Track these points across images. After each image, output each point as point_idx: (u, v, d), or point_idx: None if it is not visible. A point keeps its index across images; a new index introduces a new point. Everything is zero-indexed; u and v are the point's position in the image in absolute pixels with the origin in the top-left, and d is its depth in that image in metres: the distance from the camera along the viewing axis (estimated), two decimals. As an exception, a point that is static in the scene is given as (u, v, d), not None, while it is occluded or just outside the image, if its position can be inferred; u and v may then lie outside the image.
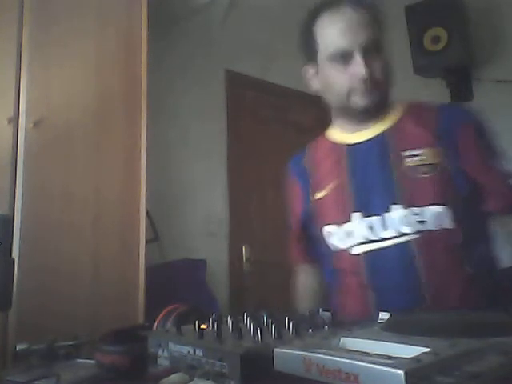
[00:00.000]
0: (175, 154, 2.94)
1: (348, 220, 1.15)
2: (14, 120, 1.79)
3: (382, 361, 0.51)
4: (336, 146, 1.25)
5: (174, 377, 0.67)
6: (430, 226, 1.07)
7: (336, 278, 1.22)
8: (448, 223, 1.07)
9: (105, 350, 0.78)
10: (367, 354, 0.55)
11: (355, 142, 1.21)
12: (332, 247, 1.20)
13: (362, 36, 1.11)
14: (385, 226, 1.10)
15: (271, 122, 3.50)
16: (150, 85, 2.16)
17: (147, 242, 2.09)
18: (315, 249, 1.29)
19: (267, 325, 0.73)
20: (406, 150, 1.12)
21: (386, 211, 1.10)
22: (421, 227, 1.07)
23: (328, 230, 1.20)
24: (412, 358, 0.51)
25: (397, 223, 1.09)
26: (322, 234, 1.22)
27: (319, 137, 1.35)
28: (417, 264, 1.07)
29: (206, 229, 3.01)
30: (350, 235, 1.15)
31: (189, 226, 2.93)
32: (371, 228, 1.11)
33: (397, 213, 1.09)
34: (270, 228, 3.33)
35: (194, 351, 0.67)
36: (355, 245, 1.14)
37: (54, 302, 1.72)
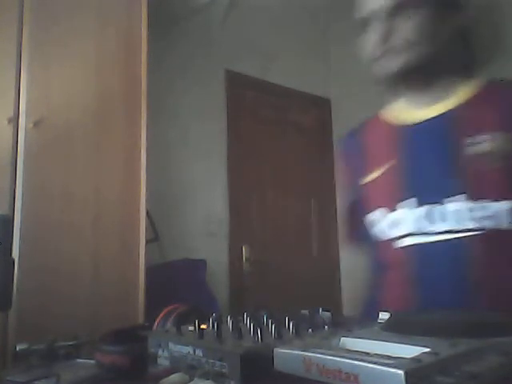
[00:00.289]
0: (175, 153, 2.94)
1: (397, 208, 1.02)
2: (14, 120, 1.79)
3: (382, 361, 0.51)
4: (394, 125, 1.10)
5: (174, 377, 0.67)
6: (495, 224, 0.93)
7: (379, 269, 1.11)
8: None
9: (105, 349, 0.77)
10: (367, 354, 0.55)
11: (415, 121, 1.06)
12: (377, 235, 1.08)
13: None
14: (439, 219, 0.96)
15: (271, 122, 3.50)
16: (150, 85, 2.16)
17: (147, 242, 2.09)
18: (362, 233, 1.15)
19: (267, 325, 0.73)
20: (475, 134, 0.96)
21: (443, 202, 0.96)
22: (484, 224, 0.93)
23: (374, 216, 1.08)
24: (412, 358, 0.51)
25: (455, 217, 0.95)
26: (367, 220, 1.10)
27: (378, 113, 1.19)
28: (471, 265, 0.95)
29: (206, 229, 3.02)
30: (397, 224, 1.02)
31: (189, 226, 2.93)
32: (422, 219, 0.98)
33: (456, 205, 0.95)
34: (270, 228, 3.34)
35: (194, 351, 0.67)
36: (403, 236, 1.02)
37: (54, 302, 1.72)
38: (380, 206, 1.06)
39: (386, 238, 1.05)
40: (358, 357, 0.53)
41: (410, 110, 1.08)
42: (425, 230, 0.98)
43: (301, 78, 3.60)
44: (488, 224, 0.93)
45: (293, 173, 3.52)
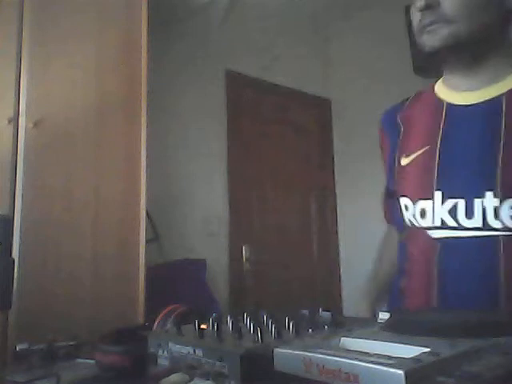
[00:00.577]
0: (175, 153, 2.94)
1: (428, 197, 0.96)
2: (14, 120, 1.79)
3: (382, 361, 0.51)
4: (439, 104, 1.02)
5: (174, 377, 0.67)
6: None
7: (404, 256, 1.07)
8: None
9: (105, 349, 0.78)
10: (367, 353, 0.55)
11: (462, 103, 0.98)
12: (406, 222, 1.04)
13: None
14: (471, 214, 0.91)
15: (271, 121, 3.50)
16: (150, 85, 2.16)
17: (147, 242, 2.09)
18: (396, 214, 1.10)
19: (267, 325, 0.73)
20: None
21: (478, 197, 0.90)
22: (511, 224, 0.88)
23: (404, 202, 1.02)
24: (412, 358, 0.51)
25: (488, 214, 0.89)
26: (399, 204, 1.05)
27: (426, 88, 1.10)
28: (500, 266, 0.89)
29: (206, 229, 3.02)
30: (425, 215, 0.97)
31: (189, 226, 2.93)
32: (453, 212, 0.93)
33: (492, 201, 0.89)
34: (269, 228, 3.34)
35: (194, 351, 0.67)
36: (430, 227, 0.97)
37: (54, 302, 1.72)
38: (410, 193, 1.01)
39: (414, 227, 1.02)
40: (357, 357, 0.53)
41: (458, 91, 1.01)
42: (452, 225, 0.94)
43: (301, 78, 3.60)
44: None
45: (293, 173, 3.52)
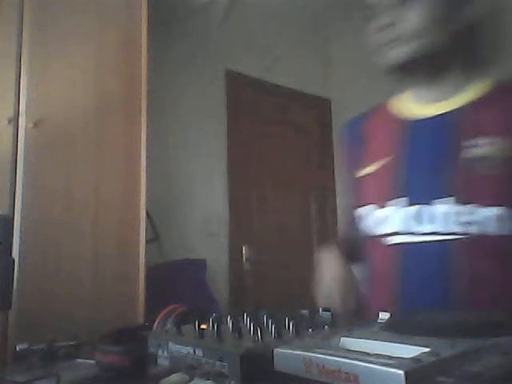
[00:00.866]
0: (175, 153, 2.94)
1: (388, 205, 1.00)
2: (14, 120, 1.79)
3: (382, 361, 0.51)
4: (398, 118, 1.06)
5: (174, 377, 0.67)
6: (482, 229, 0.91)
7: (367, 264, 1.10)
8: (508, 230, 0.91)
9: (105, 349, 0.78)
10: (367, 354, 0.55)
11: (420, 116, 1.02)
12: (365, 231, 1.07)
13: None
14: (427, 220, 0.95)
15: (271, 121, 3.50)
16: (149, 85, 2.17)
17: (147, 241, 2.09)
18: (356, 226, 1.13)
19: (267, 325, 0.73)
20: (477, 136, 0.93)
21: (434, 203, 0.94)
22: (471, 229, 0.92)
23: (365, 210, 1.06)
24: (412, 358, 0.51)
25: (443, 219, 0.93)
26: (359, 213, 1.09)
27: (384, 102, 1.15)
28: (454, 268, 0.93)
29: (206, 229, 3.02)
30: (385, 221, 1.01)
31: (189, 226, 2.93)
32: (411, 219, 0.97)
33: (446, 207, 0.93)
34: (270, 228, 3.34)
35: (194, 351, 0.67)
36: (390, 233, 1.01)
37: (54, 302, 1.72)
38: (371, 202, 1.05)
39: (373, 235, 1.05)
40: (357, 357, 0.53)
41: (415, 105, 1.05)
42: (411, 230, 0.97)
43: (301, 78, 3.60)
44: (474, 229, 0.92)
45: (293, 173, 3.52)
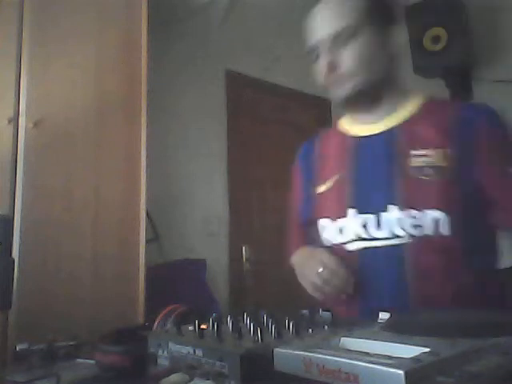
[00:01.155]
0: (175, 153, 2.94)
1: (343, 215, 1.12)
2: (14, 120, 1.79)
3: (382, 361, 0.51)
4: (345, 138, 1.21)
5: (174, 377, 0.67)
6: (426, 232, 1.03)
7: None
8: (447, 231, 1.03)
9: (105, 349, 0.78)
10: (367, 354, 0.55)
11: (364, 135, 1.17)
12: (325, 242, 1.18)
13: (334, 25, 1.10)
14: (378, 226, 1.07)
15: (271, 122, 3.50)
16: (149, 85, 2.17)
17: (147, 241, 2.09)
18: (313, 240, 1.25)
19: (267, 325, 0.73)
20: (413, 148, 1.07)
21: (383, 211, 1.06)
22: (416, 231, 1.04)
23: (322, 223, 1.18)
24: (412, 358, 0.51)
25: (391, 224, 1.06)
26: (317, 227, 1.20)
27: (333, 126, 1.31)
28: (406, 268, 1.04)
29: (206, 229, 3.01)
30: (342, 231, 1.13)
31: (189, 226, 2.93)
32: (364, 226, 1.09)
33: (393, 214, 1.05)
34: (269, 228, 3.33)
35: (194, 351, 0.67)
36: (348, 241, 1.12)
37: (54, 302, 1.72)
38: (329, 215, 1.17)
39: (332, 244, 1.16)
40: (357, 357, 0.53)
41: (359, 126, 1.19)
42: (363, 236, 1.09)
43: (301, 78, 3.59)
44: (416, 232, 1.03)
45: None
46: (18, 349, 0.92)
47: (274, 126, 3.50)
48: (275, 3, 3.29)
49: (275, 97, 3.51)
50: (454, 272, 1.04)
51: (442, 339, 0.57)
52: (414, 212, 1.04)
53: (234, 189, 3.20)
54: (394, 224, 1.05)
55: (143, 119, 2.11)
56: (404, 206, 1.04)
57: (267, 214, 3.35)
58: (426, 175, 1.04)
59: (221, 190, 3.14)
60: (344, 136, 1.21)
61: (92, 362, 0.81)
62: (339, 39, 1.09)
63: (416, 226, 1.04)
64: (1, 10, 1.87)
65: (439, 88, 3.20)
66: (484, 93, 3.04)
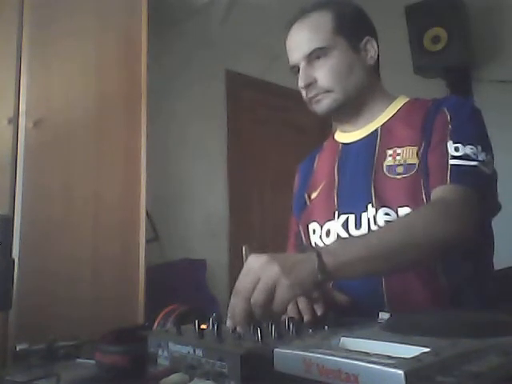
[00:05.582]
0: (175, 153, 2.94)
1: (331, 218, 1.16)
2: (14, 120, 1.79)
3: (382, 361, 0.51)
4: (335, 146, 1.27)
5: (174, 377, 0.67)
6: None
7: None
8: None
9: (105, 349, 0.77)
10: (367, 354, 0.55)
11: (349, 141, 1.22)
12: (314, 246, 1.21)
13: (306, 47, 1.14)
14: (355, 227, 1.10)
15: (271, 122, 3.50)
16: (149, 85, 2.17)
17: (147, 242, 2.09)
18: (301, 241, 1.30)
19: (267, 325, 0.73)
20: (389, 148, 1.11)
21: (363, 211, 1.10)
22: None
23: (312, 227, 1.22)
24: (412, 358, 0.51)
25: (366, 224, 1.08)
26: (307, 232, 1.24)
27: (332, 133, 1.35)
28: None
29: (206, 229, 3.01)
30: (328, 234, 1.16)
31: (189, 226, 2.93)
32: (345, 226, 1.12)
33: (371, 212, 1.08)
34: (269, 228, 3.33)
35: (194, 351, 0.67)
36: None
37: (54, 302, 1.72)
38: (318, 218, 1.20)
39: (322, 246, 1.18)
40: (357, 357, 0.53)
41: (346, 133, 1.24)
42: (344, 236, 1.12)
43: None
44: None
45: (293, 173, 3.51)
46: (17, 349, 0.92)
47: (273, 126, 3.50)
48: (275, 3, 3.29)
49: (275, 97, 3.51)
50: (428, 270, 1.04)
51: (441, 339, 0.57)
52: (387, 210, 1.07)
53: (234, 189, 3.20)
54: (371, 221, 1.08)
55: (143, 119, 2.11)
56: (379, 204, 1.07)
57: (267, 214, 3.35)
58: (396, 173, 1.08)
59: (221, 189, 3.14)
60: (335, 144, 1.27)
61: (92, 361, 0.81)
62: (312, 58, 1.14)
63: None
64: (1, 10, 1.87)
65: (439, 88, 3.20)
66: (484, 93, 3.05)
